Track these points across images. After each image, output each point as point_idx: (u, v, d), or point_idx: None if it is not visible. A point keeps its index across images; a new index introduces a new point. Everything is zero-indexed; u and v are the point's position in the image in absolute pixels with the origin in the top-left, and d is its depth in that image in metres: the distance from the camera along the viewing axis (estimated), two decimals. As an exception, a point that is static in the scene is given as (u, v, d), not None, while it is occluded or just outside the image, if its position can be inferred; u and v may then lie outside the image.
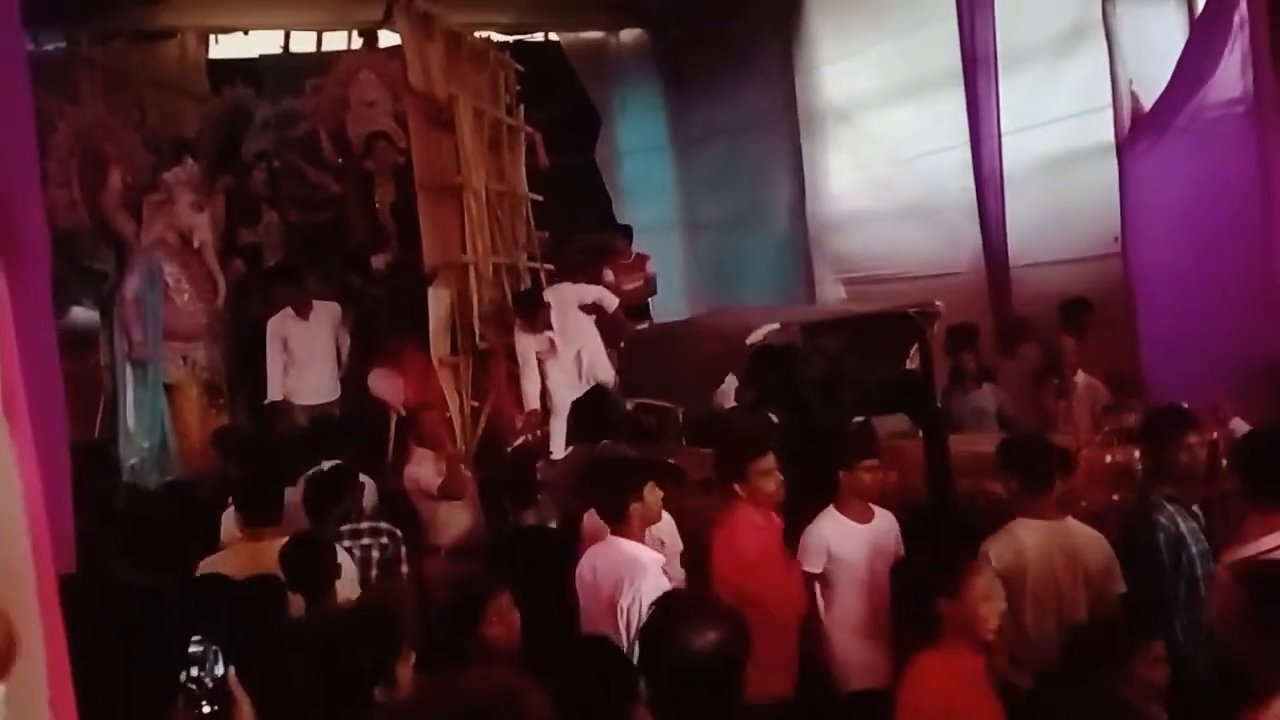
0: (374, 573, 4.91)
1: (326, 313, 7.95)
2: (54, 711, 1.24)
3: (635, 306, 10.08)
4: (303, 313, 7.80)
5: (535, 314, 7.45)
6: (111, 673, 1.56)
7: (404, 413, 7.49)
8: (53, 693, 1.24)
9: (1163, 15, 7.39)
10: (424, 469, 6.10)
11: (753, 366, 6.34)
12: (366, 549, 4.96)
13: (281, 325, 7.78)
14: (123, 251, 7.83)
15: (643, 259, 10.30)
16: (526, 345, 7.45)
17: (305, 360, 7.80)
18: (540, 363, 7.42)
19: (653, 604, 2.51)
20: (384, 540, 5.05)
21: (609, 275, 10.22)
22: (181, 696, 1.70)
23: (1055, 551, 4.04)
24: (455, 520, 6.07)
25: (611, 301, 7.83)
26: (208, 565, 4.48)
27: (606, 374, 7.51)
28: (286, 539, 4.26)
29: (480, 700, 2.66)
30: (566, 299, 7.63)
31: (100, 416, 7.70)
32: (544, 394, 7.47)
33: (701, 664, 2.25)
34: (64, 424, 3.35)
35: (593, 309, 7.82)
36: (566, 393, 7.08)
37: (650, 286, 10.29)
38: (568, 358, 7.46)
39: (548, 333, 7.39)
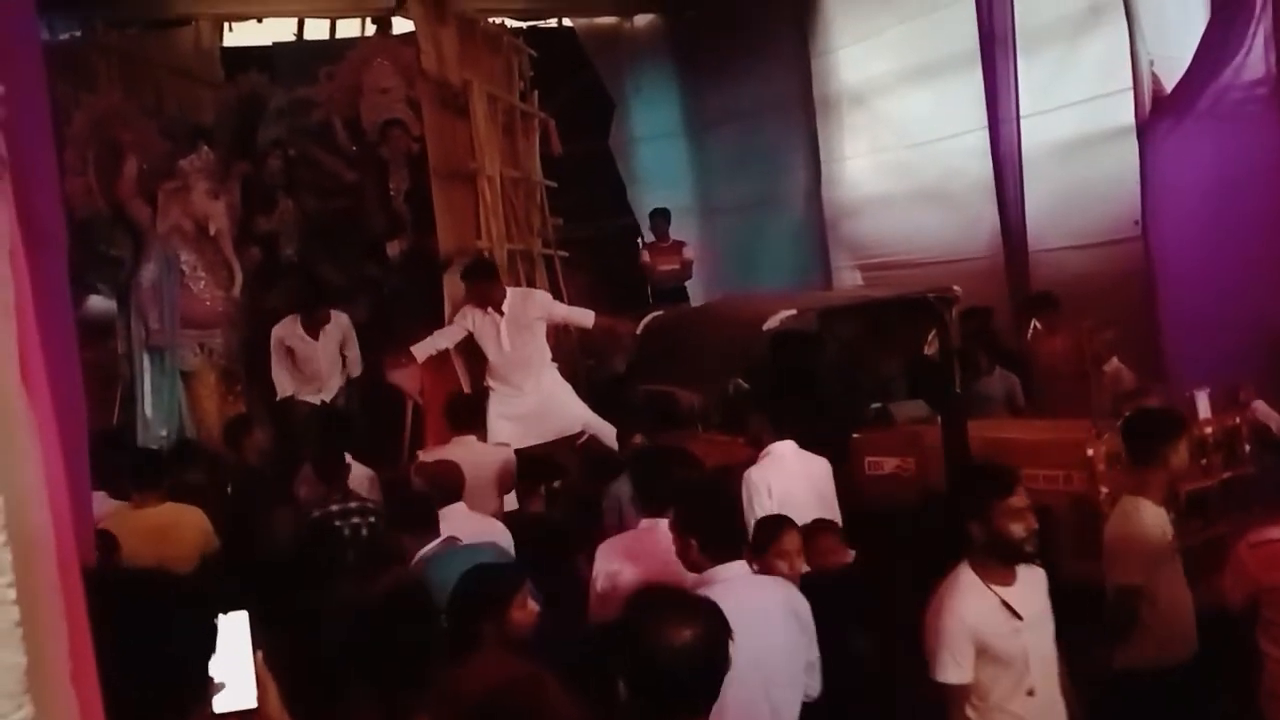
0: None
1: (336, 330, 7.75)
2: (76, 686, 1.22)
3: (671, 289, 10.17)
4: (313, 333, 7.64)
5: (486, 285, 6.92)
6: (139, 659, 1.55)
7: (420, 401, 7.50)
8: (75, 666, 1.22)
9: (1184, -5, 7.29)
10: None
11: (770, 352, 6.31)
12: (356, 527, 5.25)
13: (288, 337, 7.63)
14: (139, 239, 7.83)
15: (680, 244, 10.48)
16: (469, 321, 6.95)
17: (310, 376, 7.69)
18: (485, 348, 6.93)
19: (629, 599, 2.38)
20: (371, 519, 5.30)
21: (645, 257, 10.34)
22: (210, 681, 1.69)
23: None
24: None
25: (586, 319, 7.32)
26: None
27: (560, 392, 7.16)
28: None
29: (507, 684, 2.70)
30: (532, 308, 7.07)
31: (118, 404, 7.73)
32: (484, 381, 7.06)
33: (680, 659, 2.15)
34: (84, 413, 3.34)
35: (564, 327, 7.55)
36: (504, 403, 6.89)
37: (687, 271, 10.43)
38: (513, 369, 6.96)
39: (497, 318, 6.90)
